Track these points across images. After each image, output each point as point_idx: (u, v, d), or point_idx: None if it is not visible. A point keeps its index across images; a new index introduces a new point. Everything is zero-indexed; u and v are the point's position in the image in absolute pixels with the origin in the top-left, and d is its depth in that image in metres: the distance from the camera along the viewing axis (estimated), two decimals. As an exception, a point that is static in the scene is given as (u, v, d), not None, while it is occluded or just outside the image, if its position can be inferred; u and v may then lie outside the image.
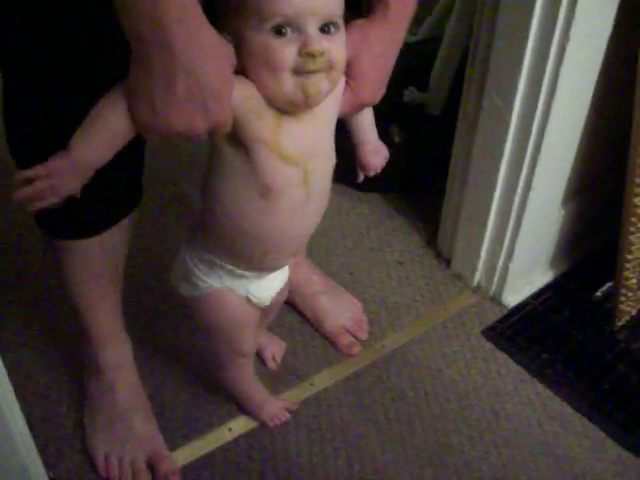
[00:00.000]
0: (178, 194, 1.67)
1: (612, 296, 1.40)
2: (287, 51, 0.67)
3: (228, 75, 0.67)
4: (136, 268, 1.37)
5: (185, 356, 1.26)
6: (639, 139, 1.26)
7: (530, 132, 1.21)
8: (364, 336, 1.32)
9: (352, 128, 0.91)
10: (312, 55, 0.66)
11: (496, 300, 1.45)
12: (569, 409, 1.24)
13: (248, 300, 0.92)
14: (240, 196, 0.77)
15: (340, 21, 0.70)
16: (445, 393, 1.24)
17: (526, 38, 1.12)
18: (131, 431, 1.07)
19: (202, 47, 0.63)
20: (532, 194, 1.28)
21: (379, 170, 0.95)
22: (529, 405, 1.24)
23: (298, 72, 0.68)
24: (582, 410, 1.24)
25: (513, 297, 1.45)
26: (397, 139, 1.63)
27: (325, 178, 0.82)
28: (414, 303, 1.43)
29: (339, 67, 0.71)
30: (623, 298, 1.37)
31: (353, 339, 1.30)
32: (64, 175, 0.67)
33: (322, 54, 0.67)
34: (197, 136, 0.67)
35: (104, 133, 0.68)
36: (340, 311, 1.32)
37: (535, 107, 1.18)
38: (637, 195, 1.31)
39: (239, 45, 0.68)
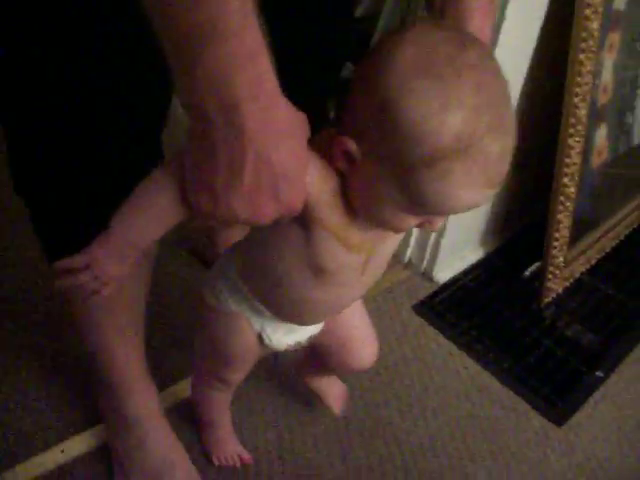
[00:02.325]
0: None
1: (540, 274, 1.43)
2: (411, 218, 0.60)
3: (304, 154, 0.56)
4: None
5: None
6: (569, 121, 1.29)
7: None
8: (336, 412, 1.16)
9: None
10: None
11: (427, 276, 1.46)
12: (496, 382, 1.26)
13: (259, 338, 0.83)
14: (290, 267, 0.68)
15: None
16: (375, 366, 1.23)
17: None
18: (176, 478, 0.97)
19: (277, 127, 0.52)
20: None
21: None
22: (457, 378, 1.25)
23: None
24: (508, 383, 1.26)
25: (444, 273, 1.46)
26: (333, 114, 1.62)
27: (386, 257, 0.73)
28: (346, 278, 1.43)
29: None
30: (550, 276, 1.40)
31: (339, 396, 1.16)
32: (106, 263, 0.60)
33: None
34: (265, 223, 0.57)
35: (152, 218, 0.60)
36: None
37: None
38: (566, 175, 1.34)
39: (362, 152, 0.57)
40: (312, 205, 0.59)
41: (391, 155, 0.54)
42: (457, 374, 1.26)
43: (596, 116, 1.42)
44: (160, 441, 0.99)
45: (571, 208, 1.39)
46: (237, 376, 0.92)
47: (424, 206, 0.56)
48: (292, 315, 0.77)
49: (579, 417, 1.23)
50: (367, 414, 1.16)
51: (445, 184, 0.53)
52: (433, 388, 1.22)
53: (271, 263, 0.69)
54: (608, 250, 1.61)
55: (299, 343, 0.85)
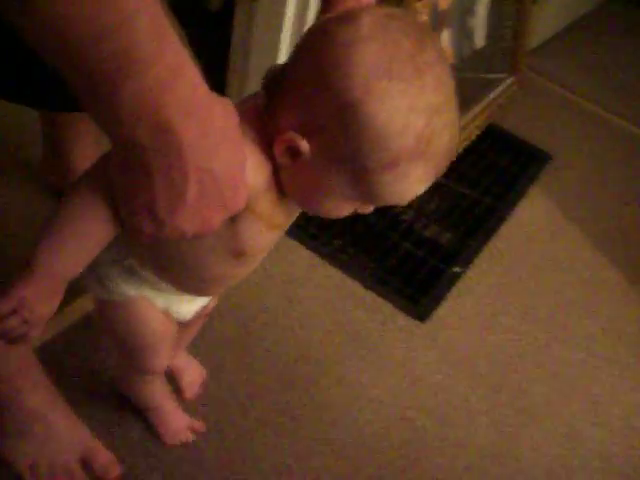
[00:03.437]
0: None
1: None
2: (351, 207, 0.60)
3: (242, 154, 0.53)
4: None
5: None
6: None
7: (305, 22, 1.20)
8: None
9: None
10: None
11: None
12: (360, 288, 1.27)
13: (166, 313, 0.78)
14: (206, 252, 0.64)
15: None
16: (239, 284, 1.22)
17: None
18: (55, 432, 0.92)
19: (214, 135, 0.49)
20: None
21: None
22: (322, 288, 1.26)
23: None
24: (372, 287, 1.27)
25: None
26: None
27: None
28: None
29: None
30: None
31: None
32: (35, 303, 0.53)
33: None
34: (213, 231, 0.54)
35: (82, 243, 0.54)
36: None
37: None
38: None
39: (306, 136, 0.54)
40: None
41: (349, 156, 0.53)
42: (321, 284, 1.26)
43: (438, 21, 1.43)
44: (36, 387, 0.93)
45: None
46: (159, 361, 0.84)
47: (374, 200, 0.58)
48: (201, 290, 0.75)
49: (441, 312, 1.27)
50: (237, 330, 1.14)
51: (403, 183, 0.55)
52: (297, 300, 1.22)
53: (185, 250, 0.65)
54: (460, 151, 1.65)
55: (204, 307, 0.83)
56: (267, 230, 0.63)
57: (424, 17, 1.30)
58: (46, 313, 0.55)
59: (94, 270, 0.72)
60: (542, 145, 1.77)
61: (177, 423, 0.99)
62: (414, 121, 0.51)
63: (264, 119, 0.56)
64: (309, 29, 0.57)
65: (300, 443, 1.05)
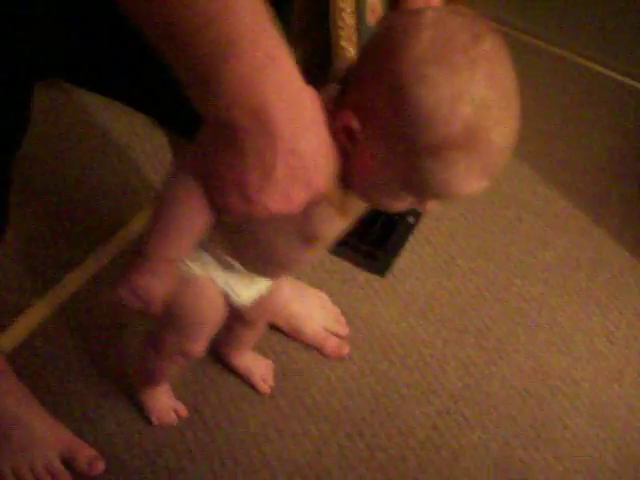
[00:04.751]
0: None
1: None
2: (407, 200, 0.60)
3: (327, 137, 0.55)
4: None
5: None
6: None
7: None
8: (345, 331, 1.17)
9: None
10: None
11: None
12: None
13: (225, 296, 0.80)
14: (279, 236, 0.68)
15: None
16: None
17: None
18: (33, 434, 0.93)
19: (304, 119, 0.52)
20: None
21: None
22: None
23: None
24: (329, 249, 1.27)
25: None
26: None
27: None
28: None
29: None
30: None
31: (338, 339, 1.16)
32: (150, 287, 0.59)
33: None
34: (297, 211, 0.57)
35: (185, 229, 0.59)
36: (315, 313, 1.17)
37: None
38: (341, 38, 1.34)
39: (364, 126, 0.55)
40: None
41: (398, 138, 0.54)
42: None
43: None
44: (10, 392, 0.95)
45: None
46: (201, 345, 0.86)
47: (424, 190, 0.57)
48: (269, 272, 0.78)
49: (399, 264, 1.28)
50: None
51: (448, 173, 0.54)
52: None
53: (260, 233, 0.68)
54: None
55: (260, 294, 0.84)
56: (337, 217, 0.65)
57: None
58: (162, 292, 0.60)
59: None
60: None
61: (166, 403, 1.01)
62: (460, 110, 0.51)
63: (335, 112, 0.57)
64: (378, 24, 0.60)
65: (277, 412, 1.06)
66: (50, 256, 1.17)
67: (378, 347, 1.16)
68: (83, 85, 0.82)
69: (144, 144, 1.39)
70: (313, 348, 1.13)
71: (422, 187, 0.57)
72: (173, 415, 1.02)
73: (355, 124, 0.55)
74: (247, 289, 0.81)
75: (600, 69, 1.86)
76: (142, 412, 1.01)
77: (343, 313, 1.18)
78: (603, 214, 1.46)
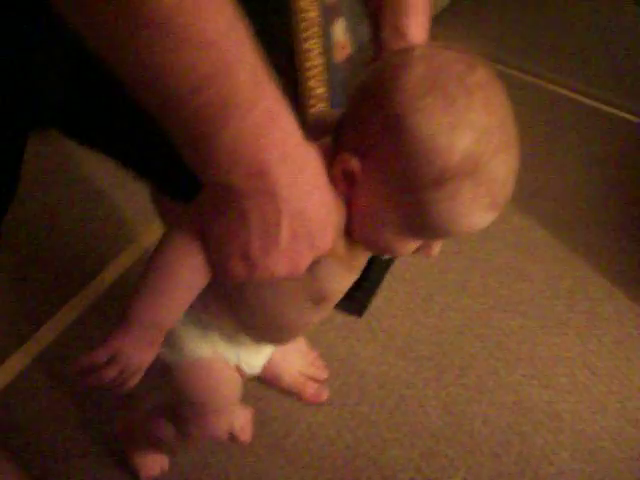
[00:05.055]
0: None
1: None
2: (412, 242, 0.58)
3: (331, 196, 0.54)
4: None
5: None
6: (300, 26, 1.27)
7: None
8: (323, 375, 1.15)
9: None
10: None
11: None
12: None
13: (238, 369, 0.78)
14: (286, 299, 0.65)
15: None
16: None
17: None
18: None
19: (306, 180, 0.50)
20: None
21: None
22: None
23: None
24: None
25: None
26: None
27: None
28: None
29: None
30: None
31: (317, 384, 1.14)
32: (133, 353, 0.53)
33: None
34: (302, 272, 0.54)
35: (177, 292, 0.54)
36: (291, 357, 1.14)
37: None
38: (310, 78, 1.33)
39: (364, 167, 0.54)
40: None
41: (397, 174, 0.52)
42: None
43: (328, 15, 1.42)
44: None
45: (326, 107, 1.39)
46: (226, 423, 0.83)
47: (427, 228, 0.55)
48: (277, 339, 0.75)
49: (376, 302, 1.27)
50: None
51: (452, 205, 0.52)
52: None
53: (266, 298, 0.65)
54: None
55: (269, 359, 0.83)
56: (348, 273, 0.64)
57: (313, 13, 1.29)
58: (143, 363, 0.55)
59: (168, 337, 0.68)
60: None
61: (152, 457, 1.01)
62: (459, 138, 0.50)
63: (332, 161, 0.56)
64: (367, 65, 0.59)
65: (257, 461, 1.04)
66: (22, 309, 1.16)
67: (357, 389, 1.14)
68: (75, 137, 0.78)
69: (120, 189, 1.38)
70: (292, 394, 1.12)
71: (427, 225, 0.55)
72: (158, 468, 1.01)
73: (354, 163, 0.54)
74: (257, 357, 0.80)
75: (574, 96, 1.88)
76: (123, 465, 1.00)
77: (321, 355, 1.16)
78: (580, 242, 1.46)
